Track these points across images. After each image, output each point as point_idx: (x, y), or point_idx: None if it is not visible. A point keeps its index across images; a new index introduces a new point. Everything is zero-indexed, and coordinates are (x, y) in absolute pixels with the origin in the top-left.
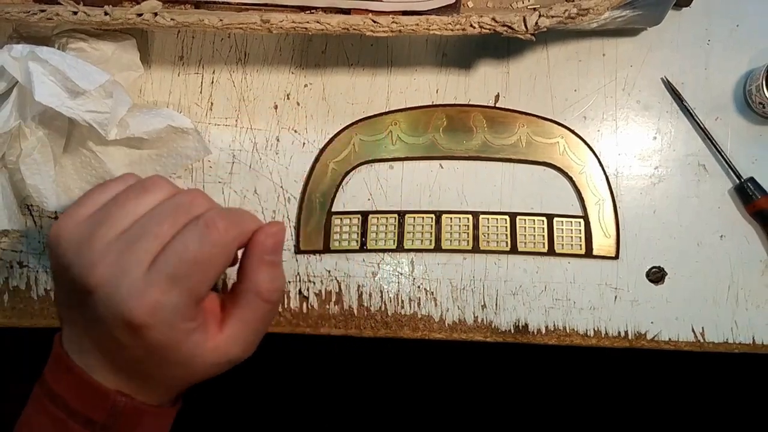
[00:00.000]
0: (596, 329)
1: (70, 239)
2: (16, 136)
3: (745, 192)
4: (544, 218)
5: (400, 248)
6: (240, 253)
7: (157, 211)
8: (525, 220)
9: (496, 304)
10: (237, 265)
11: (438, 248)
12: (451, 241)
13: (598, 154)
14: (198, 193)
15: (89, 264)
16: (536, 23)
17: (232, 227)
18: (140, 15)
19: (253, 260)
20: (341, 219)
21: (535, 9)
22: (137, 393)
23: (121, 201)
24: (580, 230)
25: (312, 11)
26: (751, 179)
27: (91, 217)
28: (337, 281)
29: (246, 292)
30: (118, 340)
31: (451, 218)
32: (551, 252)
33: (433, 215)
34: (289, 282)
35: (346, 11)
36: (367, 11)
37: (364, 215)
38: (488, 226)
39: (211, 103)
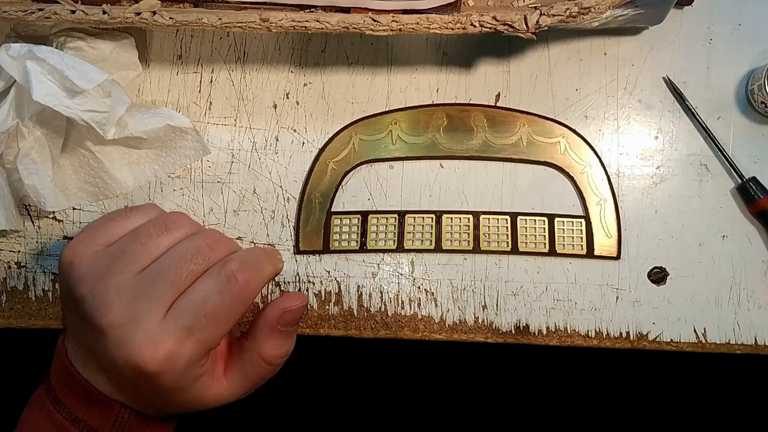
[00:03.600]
0: (597, 330)
1: (85, 270)
2: (13, 135)
3: (748, 192)
4: (545, 218)
5: (400, 248)
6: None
7: (176, 254)
8: (526, 220)
9: (497, 305)
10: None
11: (438, 248)
12: (451, 241)
13: (599, 154)
14: (218, 236)
15: (103, 303)
16: (537, 22)
17: (253, 278)
18: (139, 14)
19: (266, 328)
20: (341, 219)
21: (536, 7)
22: (139, 409)
23: (142, 237)
24: (581, 230)
25: (311, 10)
26: (754, 179)
27: (109, 249)
28: (337, 282)
29: (251, 352)
30: (127, 377)
31: (451, 218)
32: (552, 252)
33: (433, 215)
34: (289, 283)
35: (346, 10)
36: (367, 10)
37: (364, 215)
38: (489, 226)
39: (210, 103)
